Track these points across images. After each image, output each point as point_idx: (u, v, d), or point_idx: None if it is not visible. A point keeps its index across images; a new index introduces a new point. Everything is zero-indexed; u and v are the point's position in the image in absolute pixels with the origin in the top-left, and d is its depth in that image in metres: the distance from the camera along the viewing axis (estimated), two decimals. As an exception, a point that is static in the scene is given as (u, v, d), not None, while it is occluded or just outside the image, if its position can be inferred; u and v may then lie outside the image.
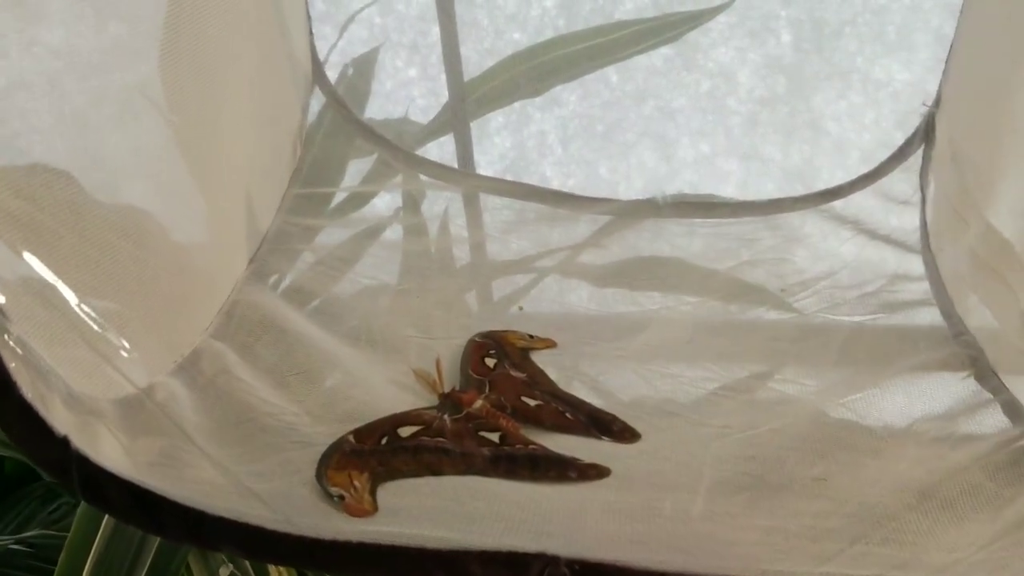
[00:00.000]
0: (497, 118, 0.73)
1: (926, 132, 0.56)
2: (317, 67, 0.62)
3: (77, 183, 0.38)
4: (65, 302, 0.37)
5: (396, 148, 0.61)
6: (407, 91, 0.74)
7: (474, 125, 0.72)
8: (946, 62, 0.57)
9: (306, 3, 0.60)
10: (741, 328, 0.54)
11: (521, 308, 0.54)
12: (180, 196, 0.49)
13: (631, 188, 0.74)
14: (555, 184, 0.74)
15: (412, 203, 0.59)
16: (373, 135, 0.60)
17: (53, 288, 0.37)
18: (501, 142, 0.75)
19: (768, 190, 0.71)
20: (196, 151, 0.48)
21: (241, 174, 0.54)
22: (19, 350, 0.31)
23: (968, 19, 0.55)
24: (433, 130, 0.63)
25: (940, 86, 0.57)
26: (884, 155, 0.67)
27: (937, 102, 0.56)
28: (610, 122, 0.75)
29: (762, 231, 0.57)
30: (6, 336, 0.31)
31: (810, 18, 0.71)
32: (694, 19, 0.61)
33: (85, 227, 0.39)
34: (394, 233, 0.61)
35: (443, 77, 0.73)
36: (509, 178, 0.71)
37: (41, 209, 0.36)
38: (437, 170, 0.61)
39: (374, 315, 0.52)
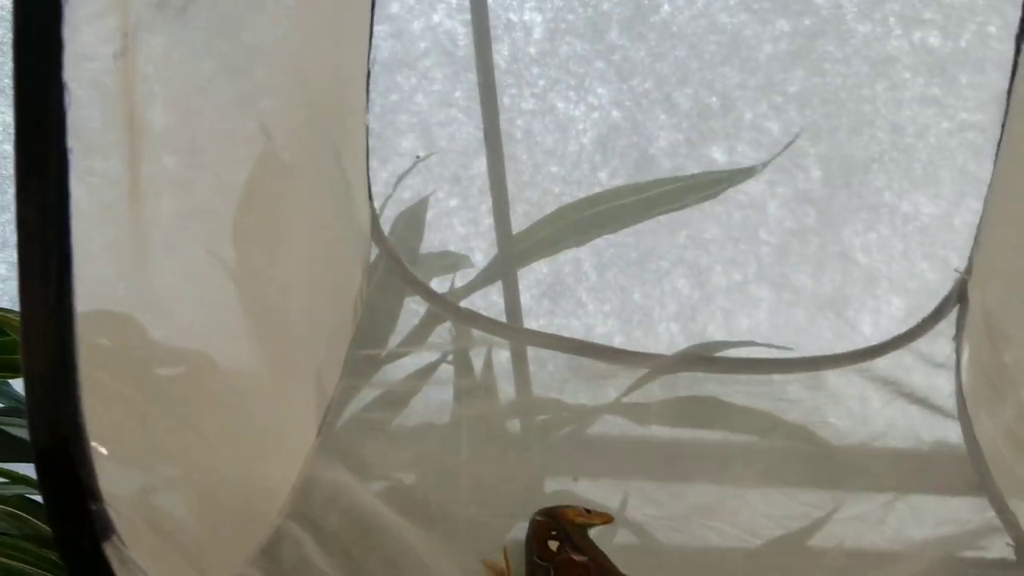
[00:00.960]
0: (534, 243, 0.76)
1: (959, 296, 0.59)
2: (374, 223, 0.64)
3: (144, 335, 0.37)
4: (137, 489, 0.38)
5: (446, 301, 0.63)
6: (448, 220, 0.76)
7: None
8: (977, 231, 0.59)
9: (368, 171, 0.63)
10: (788, 481, 0.57)
11: (576, 479, 0.57)
12: (249, 364, 0.50)
13: (665, 313, 0.76)
14: (590, 308, 0.76)
15: (465, 364, 0.61)
16: (425, 289, 0.63)
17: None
18: (538, 267, 0.77)
19: (799, 317, 0.74)
20: (264, 320, 0.49)
21: (308, 342, 0.56)
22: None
23: (998, 194, 0.57)
24: (481, 281, 0.66)
25: (972, 253, 0.59)
26: (913, 286, 0.69)
27: (969, 270, 0.59)
28: (644, 250, 0.77)
29: (802, 391, 0.60)
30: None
31: (839, 155, 0.74)
32: (733, 178, 0.64)
33: (154, 392, 0.39)
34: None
35: (483, 207, 0.76)
36: (546, 303, 0.74)
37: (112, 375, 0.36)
38: (487, 324, 0.64)
39: (436, 489, 0.54)
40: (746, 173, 0.66)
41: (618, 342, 0.73)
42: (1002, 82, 0.66)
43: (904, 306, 0.72)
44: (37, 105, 0.27)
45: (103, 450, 0.30)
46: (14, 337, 0.53)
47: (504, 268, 0.65)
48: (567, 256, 0.78)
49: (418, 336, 0.63)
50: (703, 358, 0.62)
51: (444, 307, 0.62)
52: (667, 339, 0.75)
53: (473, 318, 0.63)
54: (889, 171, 0.74)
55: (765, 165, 0.66)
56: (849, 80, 0.73)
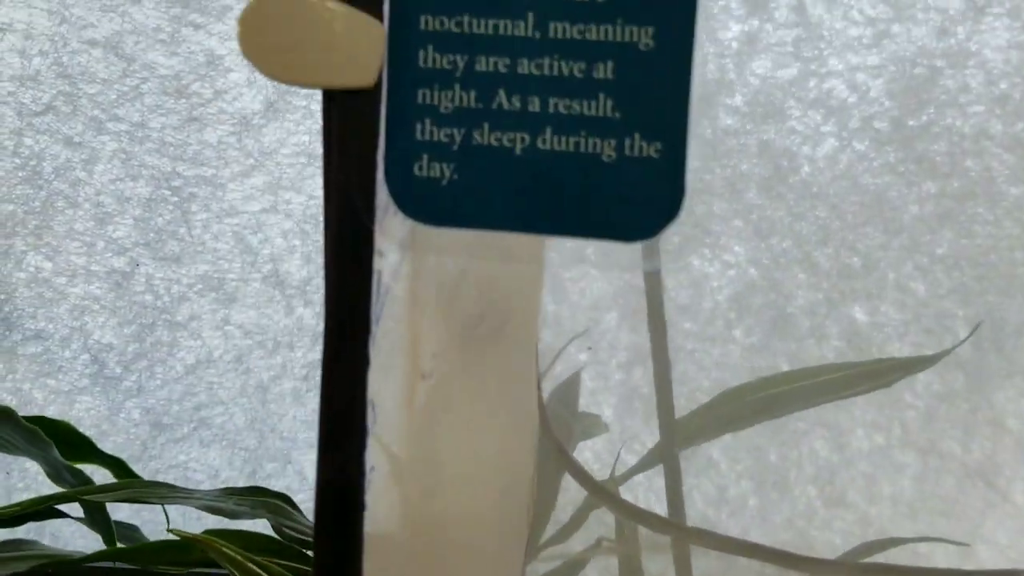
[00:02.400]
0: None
1: None
2: (541, 409, 0.64)
3: None
4: None
5: (604, 490, 0.62)
6: (595, 398, 0.76)
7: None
8: None
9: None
10: None
11: None
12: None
13: (802, 475, 0.74)
14: (722, 467, 0.75)
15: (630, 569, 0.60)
16: (583, 474, 0.62)
17: None
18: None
19: (948, 484, 0.71)
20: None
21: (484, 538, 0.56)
22: None
23: None
24: (639, 467, 0.65)
25: None
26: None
27: None
28: (781, 408, 0.75)
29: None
30: None
31: (989, 318, 0.71)
32: (909, 367, 0.62)
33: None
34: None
35: (612, 362, 0.75)
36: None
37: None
38: (647, 518, 0.63)
39: None
40: (924, 363, 0.64)
41: (752, 504, 0.72)
42: None
43: (1058, 475, 0.68)
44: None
45: None
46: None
47: (667, 458, 0.64)
48: (701, 411, 0.77)
49: (575, 523, 0.62)
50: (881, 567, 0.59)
51: (604, 497, 0.61)
52: (804, 503, 0.73)
53: (635, 512, 0.62)
54: (1044, 335, 0.70)
55: (946, 354, 0.64)
56: (1001, 242, 0.70)
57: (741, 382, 0.73)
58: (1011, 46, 0.65)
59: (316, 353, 0.72)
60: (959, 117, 0.67)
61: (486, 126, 0.29)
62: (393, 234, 0.30)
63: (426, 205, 0.30)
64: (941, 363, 0.72)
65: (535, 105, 0.29)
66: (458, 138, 0.30)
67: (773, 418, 0.67)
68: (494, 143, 0.29)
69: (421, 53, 0.29)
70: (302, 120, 0.71)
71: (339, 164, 0.30)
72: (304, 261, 0.74)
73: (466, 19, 0.29)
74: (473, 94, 0.29)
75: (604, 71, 0.29)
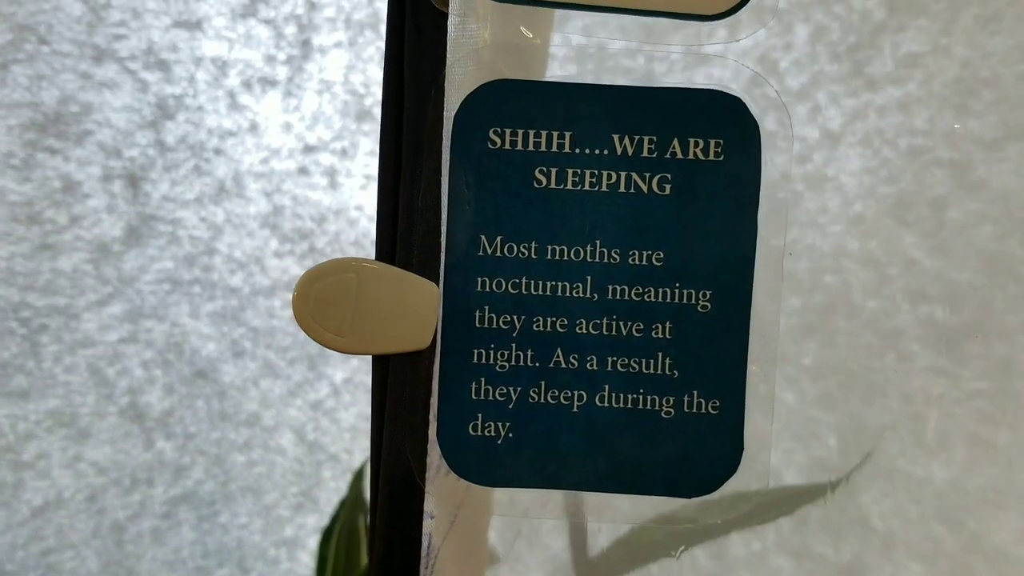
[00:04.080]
0: None
1: None
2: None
3: None
4: None
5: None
6: None
7: None
8: None
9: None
10: None
11: None
12: None
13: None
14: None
15: None
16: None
17: None
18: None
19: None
20: None
21: None
22: None
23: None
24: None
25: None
26: (930, 550, 0.69)
27: None
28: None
29: None
30: None
31: (852, 424, 0.74)
32: (801, 498, 0.64)
33: None
34: None
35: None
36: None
37: None
38: None
39: None
40: (815, 491, 0.66)
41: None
42: (1008, 352, 0.68)
43: (922, 571, 0.72)
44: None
45: None
46: None
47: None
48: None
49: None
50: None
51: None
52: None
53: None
54: (903, 438, 0.74)
55: (839, 483, 0.66)
56: (860, 352, 0.73)
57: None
58: (863, 171, 0.69)
59: (178, 488, 0.68)
60: (819, 236, 0.71)
61: (543, 384, 0.29)
62: (444, 495, 0.29)
63: (480, 465, 0.29)
64: (810, 468, 0.75)
65: (593, 364, 0.29)
66: (514, 397, 0.29)
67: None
68: (551, 401, 0.29)
69: (477, 314, 0.29)
70: (166, 246, 0.67)
71: (392, 422, 0.29)
72: (165, 392, 0.70)
73: (524, 281, 0.28)
74: (530, 353, 0.29)
75: (662, 331, 0.29)
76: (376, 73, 0.67)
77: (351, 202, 0.68)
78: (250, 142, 0.66)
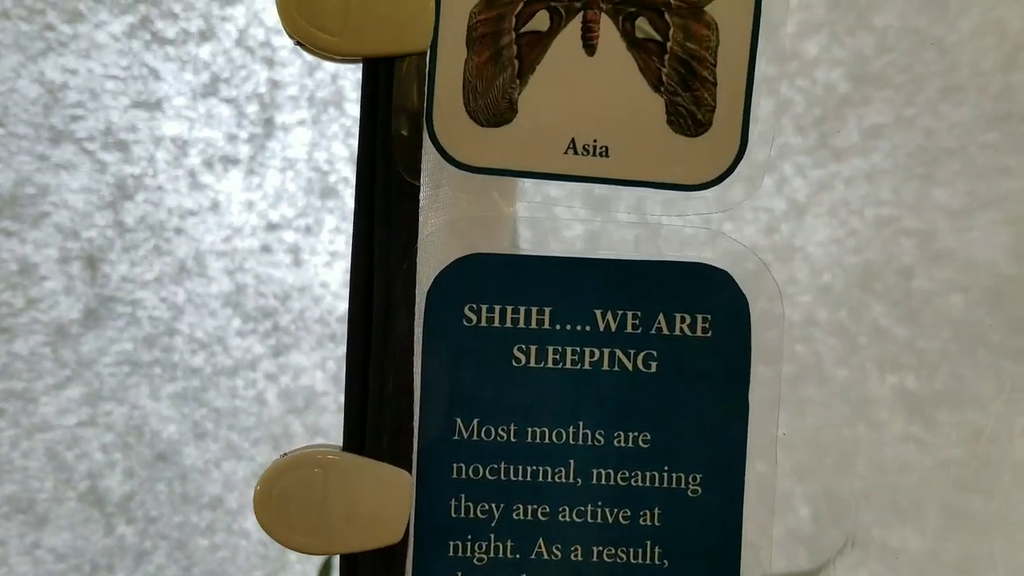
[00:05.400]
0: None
1: None
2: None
3: None
4: None
5: None
6: None
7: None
8: None
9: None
10: None
11: None
12: None
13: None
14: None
15: None
16: None
17: None
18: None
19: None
20: None
21: None
22: None
23: None
24: None
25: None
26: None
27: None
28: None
29: None
30: None
31: (825, 495, 0.74)
32: None
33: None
34: None
35: None
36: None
37: None
38: None
39: None
40: None
41: None
42: (980, 419, 0.68)
43: (900, 641, 0.71)
44: None
45: None
46: None
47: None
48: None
49: None
50: None
51: None
52: None
53: None
54: (876, 507, 0.74)
55: (824, 568, 0.66)
56: (831, 421, 0.73)
57: None
58: (830, 241, 0.69)
59: (140, 575, 0.66)
60: (788, 306, 0.71)
61: (525, 577, 0.27)
62: None
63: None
64: (785, 540, 0.74)
65: (578, 554, 0.28)
66: (495, 591, 0.27)
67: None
68: (534, 594, 0.27)
69: (453, 503, 0.27)
70: (126, 327, 0.66)
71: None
72: (126, 476, 0.68)
73: (502, 466, 0.27)
74: (510, 544, 0.28)
75: (650, 518, 0.27)
76: (340, 150, 0.66)
77: (316, 279, 0.67)
78: (211, 221, 0.65)
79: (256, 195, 0.66)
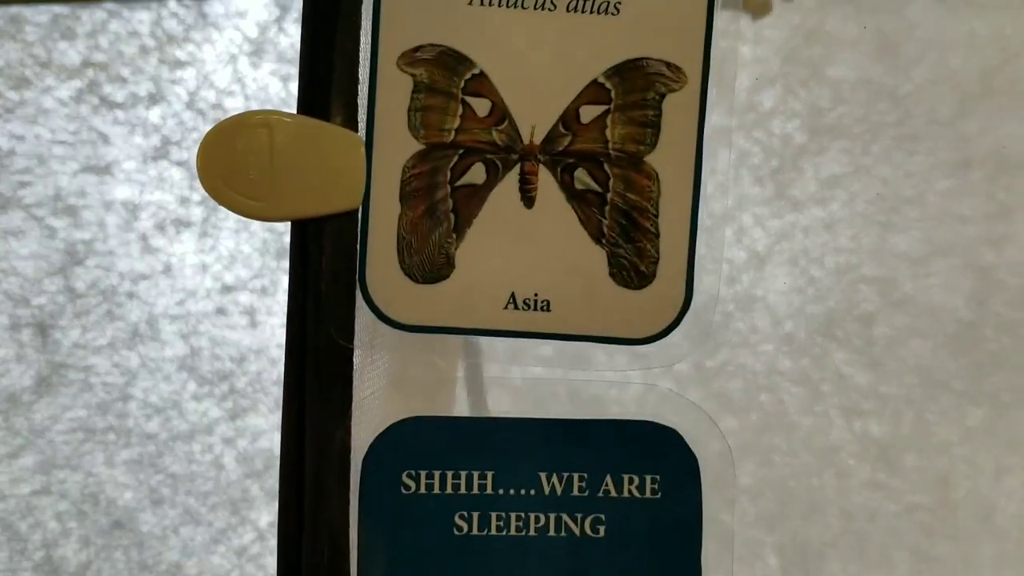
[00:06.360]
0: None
1: None
2: None
3: None
4: None
5: None
6: None
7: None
8: None
9: None
10: None
11: None
12: None
13: None
14: None
15: None
16: None
17: None
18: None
19: None
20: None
21: None
22: None
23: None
24: None
25: None
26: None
27: None
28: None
29: None
30: None
31: (793, 542, 0.73)
32: None
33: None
34: None
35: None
36: None
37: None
38: None
39: None
40: None
41: None
42: (945, 464, 0.68)
43: None
44: None
45: None
46: None
47: None
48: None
49: None
50: None
51: None
52: None
53: None
54: (844, 555, 0.73)
55: None
56: (798, 470, 0.73)
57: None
58: (791, 290, 0.69)
59: (100, 647, 0.64)
60: (751, 356, 0.70)
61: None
62: None
63: None
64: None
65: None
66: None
67: None
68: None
69: None
70: (78, 394, 0.65)
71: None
72: (81, 545, 0.67)
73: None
74: None
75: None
76: (295, 209, 0.65)
77: (272, 340, 0.66)
78: (164, 284, 0.64)
79: (210, 257, 0.65)
